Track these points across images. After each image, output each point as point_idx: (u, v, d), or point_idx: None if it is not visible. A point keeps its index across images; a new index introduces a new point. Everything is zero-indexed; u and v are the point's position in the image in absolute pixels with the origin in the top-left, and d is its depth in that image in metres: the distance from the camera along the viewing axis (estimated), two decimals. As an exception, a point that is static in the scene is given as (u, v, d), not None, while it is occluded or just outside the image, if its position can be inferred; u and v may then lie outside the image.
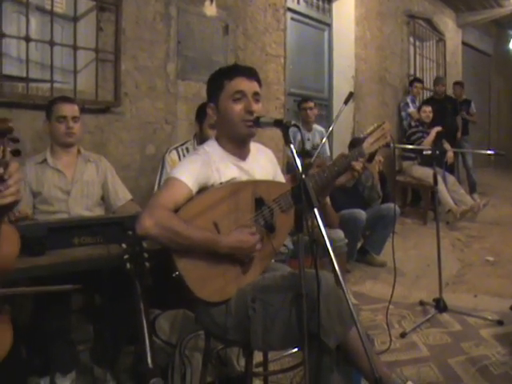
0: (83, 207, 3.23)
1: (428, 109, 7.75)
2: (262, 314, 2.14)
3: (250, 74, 2.36)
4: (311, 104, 6.03)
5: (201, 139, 3.69)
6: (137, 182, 4.37)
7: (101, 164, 3.38)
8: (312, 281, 1.93)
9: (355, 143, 5.25)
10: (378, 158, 5.41)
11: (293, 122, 2.07)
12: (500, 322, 3.73)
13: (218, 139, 2.43)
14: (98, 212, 3.31)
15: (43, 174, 3.18)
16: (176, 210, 2.14)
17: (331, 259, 1.84)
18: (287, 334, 2.10)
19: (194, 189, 2.21)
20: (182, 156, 3.72)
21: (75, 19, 3.98)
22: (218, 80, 2.37)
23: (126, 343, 3.01)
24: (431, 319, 3.83)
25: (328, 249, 1.84)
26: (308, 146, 5.82)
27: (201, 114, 3.73)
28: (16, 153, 1.93)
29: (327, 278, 2.06)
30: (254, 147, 2.51)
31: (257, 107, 2.30)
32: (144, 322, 2.23)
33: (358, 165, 2.63)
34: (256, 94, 2.33)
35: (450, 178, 7.49)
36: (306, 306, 1.92)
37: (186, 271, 2.12)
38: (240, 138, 2.36)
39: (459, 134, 8.90)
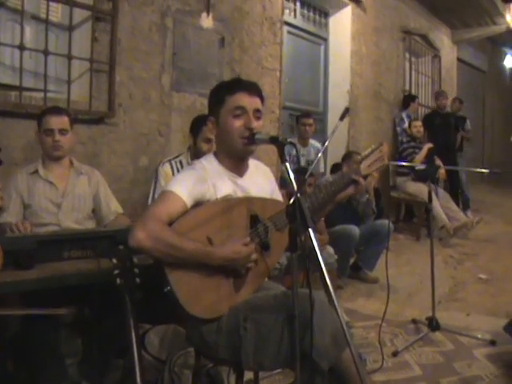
0: (74, 220, 3.18)
1: (418, 124, 7.77)
2: (253, 334, 2.10)
3: (252, 89, 2.32)
4: (311, 121, 5.96)
5: (194, 152, 3.68)
6: (129, 194, 4.33)
7: (93, 176, 3.34)
8: (305, 300, 1.90)
9: (349, 156, 5.26)
10: (373, 174, 5.38)
11: (288, 140, 2.05)
12: (493, 342, 3.68)
13: (216, 154, 2.40)
14: (89, 225, 3.26)
15: (34, 185, 3.13)
16: (170, 224, 2.10)
17: (324, 278, 1.81)
18: (279, 354, 2.07)
19: (189, 203, 2.18)
20: (175, 168, 3.70)
21: (70, 29, 3.96)
22: (220, 94, 2.33)
23: (116, 357, 2.96)
24: (424, 338, 3.78)
25: (322, 268, 1.81)
26: (302, 161, 5.78)
27: (195, 127, 3.72)
28: None
29: (321, 298, 2.02)
30: (253, 164, 2.48)
31: (257, 124, 2.27)
32: (133, 337, 2.18)
33: (360, 178, 2.60)
34: (257, 110, 2.29)
35: (443, 194, 7.47)
36: (298, 326, 1.89)
37: (177, 286, 2.07)
38: (238, 154, 2.33)
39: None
